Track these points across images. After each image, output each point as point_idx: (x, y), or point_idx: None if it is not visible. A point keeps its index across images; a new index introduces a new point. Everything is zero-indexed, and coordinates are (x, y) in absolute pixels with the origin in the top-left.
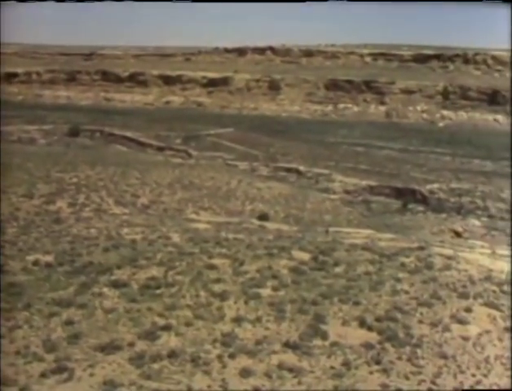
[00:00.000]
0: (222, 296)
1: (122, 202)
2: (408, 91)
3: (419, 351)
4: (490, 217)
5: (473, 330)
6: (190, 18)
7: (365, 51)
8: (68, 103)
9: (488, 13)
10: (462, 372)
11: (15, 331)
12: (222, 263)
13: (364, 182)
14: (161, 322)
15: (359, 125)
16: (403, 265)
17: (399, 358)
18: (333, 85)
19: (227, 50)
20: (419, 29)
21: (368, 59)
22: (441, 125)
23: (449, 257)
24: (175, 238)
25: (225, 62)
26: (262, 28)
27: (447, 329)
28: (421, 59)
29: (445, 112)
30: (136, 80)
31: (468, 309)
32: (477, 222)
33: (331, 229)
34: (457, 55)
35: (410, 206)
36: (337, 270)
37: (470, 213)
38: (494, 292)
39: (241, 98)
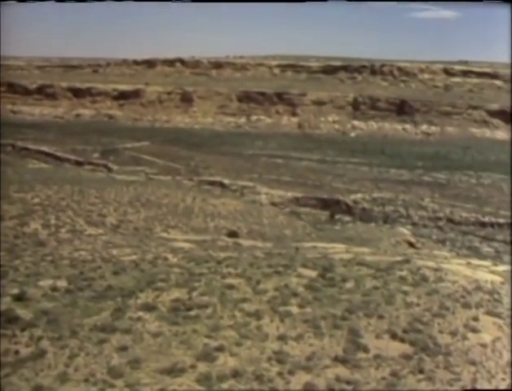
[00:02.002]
0: (257, 315)
1: (92, 222)
2: (319, 102)
3: (451, 359)
4: (413, 224)
5: (486, 337)
6: (97, 28)
7: (274, 63)
8: None
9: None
10: (493, 377)
11: (75, 360)
12: (238, 283)
13: (290, 194)
14: (213, 343)
15: (273, 137)
16: (402, 278)
17: (437, 367)
18: (246, 97)
19: (136, 62)
20: (326, 41)
21: (276, 70)
22: (353, 135)
23: (436, 269)
24: (171, 258)
25: (134, 74)
26: (171, 40)
27: (465, 337)
28: (330, 70)
29: (356, 123)
30: (45, 92)
31: (475, 319)
32: (405, 231)
33: (306, 244)
34: (364, 67)
35: (337, 217)
36: (348, 285)
37: (395, 221)
38: (489, 301)
39: (153, 110)
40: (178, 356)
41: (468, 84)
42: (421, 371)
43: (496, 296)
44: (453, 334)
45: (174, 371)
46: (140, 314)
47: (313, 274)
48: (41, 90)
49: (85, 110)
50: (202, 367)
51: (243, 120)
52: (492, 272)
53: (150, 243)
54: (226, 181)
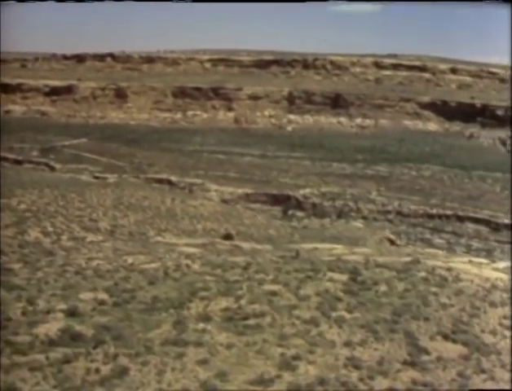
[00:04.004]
0: (314, 322)
1: (87, 228)
2: (254, 97)
3: (504, 358)
4: (364, 218)
5: None
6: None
7: (205, 57)
8: None
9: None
10: None
11: (164, 376)
12: (279, 289)
13: (240, 190)
14: (287, 352)
15: (211, 132)
16: (424, 279)
17: (494, 366)
18: (181, 93)
19: (65, 57)
20: (257, 34)
21: (208, 65)
22: (289, 129)
23: (448, 269)
24: (193, 265)
25: (65, 69)
26: (101, 34)
27: (504, 336)
28: (262, 64)
29: (292, 117)
30: None
31: (505, 317)
32: (359, 225)
33: (305, 246)
34: (297, 61)
35: (290, 212)
36: (382, 288)
37: (347, 216)
38: (509, 298)
39: (87, 106)
40: (260, 367)
41: (398, 77)
42: (483, 371)
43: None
44: (494, 333)
45: (263, 382)
46: (202, 325)
47: (343, 277)
48: None
49: (15, 106)
50: (287, 377)
51: (179, 115)
52: (495, 269)
53: (157, 249)
54: (173, 178)
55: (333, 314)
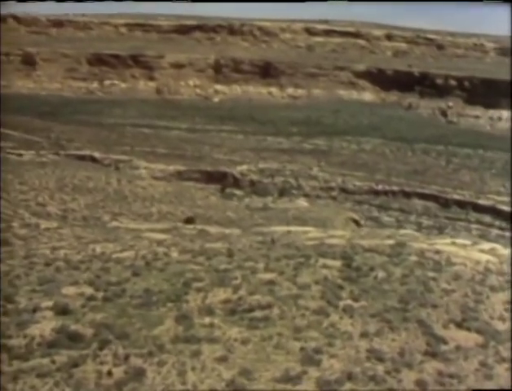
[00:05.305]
0: (323, 312)
1: (37, 213)
2: (177, 65)
3: None
4: (306, 196)
5: None
6: None
7: (120, 21)
8: None
9: None
10: None
11: (187, 376)
12: (274, 277)
13: (172, 167)
14: (306, 345)
15: (131, 104)
16: (418, 263)
17: None
18: (97, 60)
19: None
20: None
21: (123, 29)
22: (216, 100)
23: (436, 252)
24: (171, 253)
25: None
26: None
27: None
28: (184, 30)
29: (218, 87)
30: None
31: (508, 302)
32: (304, 203)
33: (275, 229)
34: (222, 26)
35: (228, 191)
36: (381, 274)
37: (290, 193)
38: (507, 282)
39: None
40: (282, 362)
41: (331, 44)
42: (503, 360)
43: (507, 277)
44: (502, 319)
45: (290, 379)
46: (207, 319)
47: (337, 264)
48: None
49: None
50: (313, 372)
51: (95, 85)
52: (482, 251)
53: (122, 236)
54: (97, 155)
55: (341, 303)
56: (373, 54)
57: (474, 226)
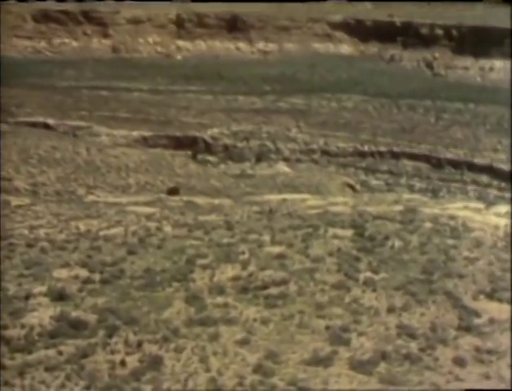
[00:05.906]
0: (343, 287)
1: (5, 189)
2: (135, 21)
3: None
4: (286, 160)
5: None
6: None
7: None
8: None
9: None
10: None
11: (209, 361)
12: (284, 251)
13: (136, 133)
14: (331, 323)
15: (85, 64)
16: (435, 230)
17: None
18: (43, 16)
19: None
20: None
21: None
22: (179, 57)
23: (451, 217)
24: (167, 228)
25: None
26: None
27: None
28: None
29: (181, 43)
30: None
31: None
32: (286, 168)
33: (269, 197)
34: None
35: (200, 157)
36: (397, 244)
37: (268, 158)
38: None
39: None
40: (309, 343)
41: None
42: None
43: None
44: None
45: (321, 360)
46: (219, 299)
47: (348, 233)
48: None
49: None
50: (344, 352)
51: (43, 44)
52: (498, 215)
53: (104, 211)
54: (50, 121)
55: (360, 276)
56: (351, 6)
57: (470, 187)
